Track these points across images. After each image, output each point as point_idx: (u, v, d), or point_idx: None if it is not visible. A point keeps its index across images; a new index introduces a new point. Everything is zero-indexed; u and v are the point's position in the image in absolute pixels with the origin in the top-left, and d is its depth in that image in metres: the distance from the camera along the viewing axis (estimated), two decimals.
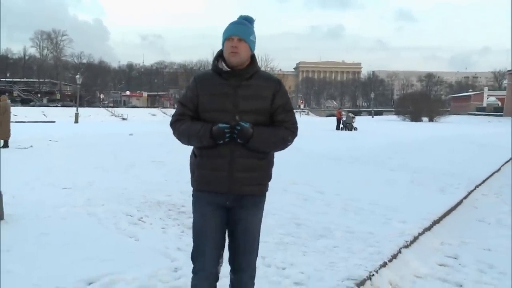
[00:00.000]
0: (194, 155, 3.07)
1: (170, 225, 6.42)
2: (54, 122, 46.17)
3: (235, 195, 2.97)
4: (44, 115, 64.13)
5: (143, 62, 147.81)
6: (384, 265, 4.98)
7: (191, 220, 6.61)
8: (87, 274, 4.35)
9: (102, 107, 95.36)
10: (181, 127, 2.97)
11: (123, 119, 71.03)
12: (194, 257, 3.11)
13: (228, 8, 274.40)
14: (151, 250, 5.22)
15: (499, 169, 13.22)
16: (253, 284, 3.23)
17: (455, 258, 5.67)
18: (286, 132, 3.00)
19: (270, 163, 3.09)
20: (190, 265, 4.80)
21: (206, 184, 2.97)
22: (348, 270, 4.68)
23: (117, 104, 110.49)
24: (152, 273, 4.50)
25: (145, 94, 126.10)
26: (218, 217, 3.02)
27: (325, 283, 4.35)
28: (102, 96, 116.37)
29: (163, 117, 78.49)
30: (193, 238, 3.13)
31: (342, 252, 5.32)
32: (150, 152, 15.63)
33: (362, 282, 4.47)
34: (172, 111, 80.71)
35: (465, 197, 9.03)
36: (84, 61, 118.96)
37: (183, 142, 3.05)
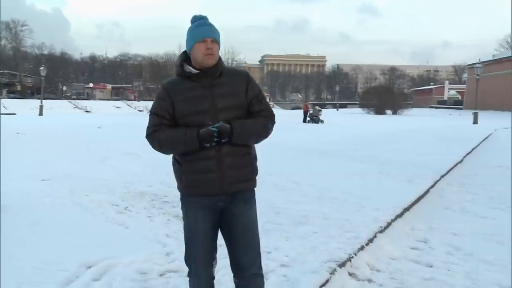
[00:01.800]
0: (177, 162, 3.04)
1: (156, 214, 6.69)
2: (14, 114, 45.36)
3: (227, 195, 2.96)
4: (4, 107, 62.82)
5: (106, 54, 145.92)
6: (361, 248, 5.37)
7: (175, 209, 6.97)
8: (85, 258, 4.61)
9: (65, 99, 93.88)
10: (162, 136, 2.91)
11: (87, 111, 70.19)
12: (187, 261, 3.12)
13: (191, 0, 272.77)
14: (142, 237, 5.50)
15: (461, 160, 13.79)
16: (263, 283, 3.22)
17: (425, 242, 6.10)
18: (265, 120, 3.02)
19: (254, 157, 3.12)
20: (182, 250, 5.12)
21: (196, 188, 2.95)
22: (329, 253, 5.04)
23: (80, 96, 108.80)
24: (147, 258, 4.79)
25: (109, 86, 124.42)
26: (209, 221, 3.01)
27: (309, 264, 4.70)
28: (64, 88, 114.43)
29: (127, 109, 77.86)
30: (185, 242, 3.12)
31: (322, 237, 5.68)
32: (122, 144, 15.77)
33: (343, 264, 4.84)
34: (137, 103, 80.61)
35: (432, 187, 9.50)
36: (45, 52, 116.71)
37: (165, 151, 3.00)
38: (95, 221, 6.11)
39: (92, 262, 4.56)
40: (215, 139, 2.80)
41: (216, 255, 3.14)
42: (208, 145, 2.81)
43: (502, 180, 10.86)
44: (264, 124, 3.02)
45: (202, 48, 2.89)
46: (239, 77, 3.03)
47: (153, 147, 3.00)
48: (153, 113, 3.01)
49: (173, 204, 7.28)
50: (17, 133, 19.16)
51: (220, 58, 2.99)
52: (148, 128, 3.00)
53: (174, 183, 8.81)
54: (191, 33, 2.96)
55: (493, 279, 4.79)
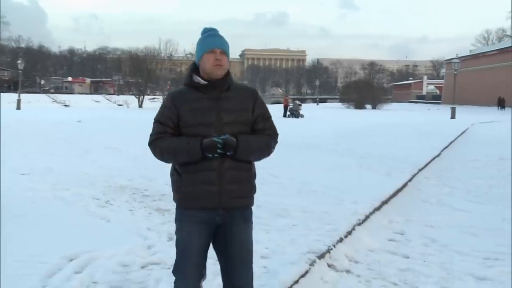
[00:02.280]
0: (176, 173, 2.96)
1: (137, 207, 6.73)
2: None
3: (225, 210, 2.89)
4: None
5: (85, 48, 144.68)
6: (340, 240, 5.48)
7: (156, 202, 7.01)
8: (67, 251, 4.65)
9: (43, 93, 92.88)
10: (164, 144, 2.87)
11: (66, 105, 69.58)
12: (176, 272, 3.00)
13: None
14: (123, 230, 5.55)
15: (439, 154, 14.02)
16: None
17: (402, 234, 6.24)
18: (269, 138, 2.98)
19: (254, 175, 3.06)
20: (163, 243, 5.21)
21: (194, 200, 2.87)
22: (308, 245, 5.14)
23: (58, 90, 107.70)
24: (128, 250, 4.84)
25: (88, 80, 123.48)
26: (204, 237, 2.93)
27: (289, 256, 4.79)
28: (42, 82, 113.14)
29: (107, 103, 77.35)
30: (176, 252, 3.02)
31: (301, 229, 5.78)
32: (102, 139, 15.68)
33: (322, 255, 4.94)
34: (116, 98, 79.99)
35: (410, 180, 9.66)
36: (23, 45, 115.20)
37: (166, 159, 2.94)
38: (76, 215, 6.13)
39: (74, 255, 4.59)
40: (218, 151, 2.75)
41: (205, 271, 3.05)
42: (210, 155, 2.76)
43: (478, 174, 11.11)
44: (267, 142, 2.97)
45: (211, 59, 2.87)
46: (247, 93, 3.01)
47: (155, 155, 2.96)
48: (157, 120, 2.96)
49: (154, 198, 7.33)
50: None
51: (228, 71, 2.96)
52: (151, 135, 2.96)
53: (154, 176, 8.88)
54: (201, 43, 2.96)
55: (467, 269, 4.94)
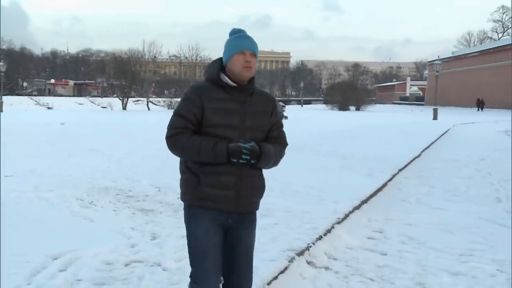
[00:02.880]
0: (189, 171, 2.87)
1: (121, 207, 6.81)
2: None
3: (238, 214, 2.89)
4: None
5: (67, 50, 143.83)
6: (319, 238, 5.61)
7: (140, 203, 7.10)
8: (52, 250, 4.72)
9: (26, 95, 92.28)
10: (188, 141, 2.76)
11: (49, 108, 69.20)
12: (197, 277, 2.88)
13: None
14: (107, 230, 5.63)
15: (419, 155, 14.24)
16: None
17: (381, 232, 6.40)
18: (282, 148, 3.00)
19: (265, 180, 3.06)
20: (146, 242, 5.30)
21: (210, 201, 2.82)
22: (289, 243, 5.27)
23: (41, 92, 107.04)
24: (112, 249, 4.93)
25: (71, 82, 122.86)
26: (219, 235, 2.89)
27: (270, 253, 4.91)
28: (25, 84, 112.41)
29: (90, 105, 76.95)
30: (193, 257, 2.90)
31: (282, 228, 5.90)
32: (85, 141, 15.68)
33: (302, 252, 5.08)
34: (100, 100, 79.70)
35: (390, 180, 9.84)
36: (4, 47, 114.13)
37: (186, 156, 2.85)
38: (60, 215, 6.20)
39: (58, 254, 4.67)
40: (243, 157, 2.71)
41: (221, 276, 2.96)
42: (235, 160, 2.72)
43: (457, 174, 11.35)
44: (281, 151, 2.98)
45: (241, 60, 2.81)
46: (268, 99, 3.00)
47: (172, 149, 2.84)
48: (178, 114, 2.84)
49: (138, 199, 7.42)
50: None
51: (253, 76, 2.91)
52: (170, 129, 2.83)
53: (138, 178, 8.95)
54: (231, 43, 2.88)
55: (441, 266, 5.10)
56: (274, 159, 2.91)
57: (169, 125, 2.86)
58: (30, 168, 9.79)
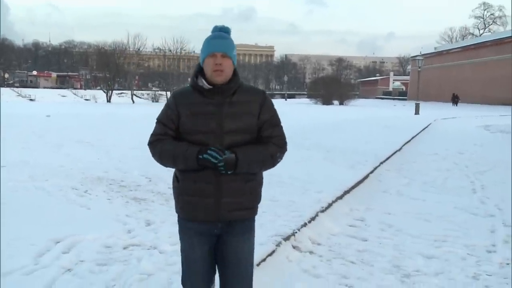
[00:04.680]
0: (176, 179, 2.86)
1: (115, 196, 7.12)
2: None
3: (223, 222, 2.80)
4: None
5: (50, 41, 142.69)
6: (304, 225, 5.98)
7: (133, 192, 7.40)
8: (53, 235, 5.06)
9: (7, 87, 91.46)
10: (163, 147, 2.75)
11: (31, 99, 68.65)
12: (184, 283, 2.96)
13: None
14: (103, 217, 5.96)
15: (400, 148, 14.66)
16: None
17: (362, 221, 6.78)
18: (274, 149, 2.81)
19: (259, 183, 2.94)
20: (141, 227, 5.63)
21: (191, 212, 2.79)
22: (275, 229, 5.63)
23: (23, 84, 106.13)
24: (110, 234, 5.27)
25: (54, 74, 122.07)
26: (206, 245, 2.85)
27: (258, 238, 5.14)
28: (6, 75, 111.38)
29: (74, 98, 76.53)
30: (181, 263, 2.97)
31: (269, 216, 6.24)
32: (73, 133, 15.91)
33: (287, 238, 5.45)
34: (83, 92, 79.30)
35: (371, 172, 10.23)
36: None
37: (165, 163, 2.82)
38: (58, 203, 6.52)
39: (60, 238, 5.00)
40: (212, 160, 2.60)
41: (214, 278, 3.00)
42: (201, 157, 2.62)
43: (436, 166, 11.78)
44: (272, 153, 2.80)
45: (211, 64, 2.70)
46: (253, 96, 2.83)
47: (153, 156, 2.83)
48: (159, 121, 2.85)
49: (130, 188, 7.73)
50: None
51: (236, 75, 2.80)
52: (151, 135, 2.85)
53: (128, 169, 9.28)
54: (204, 45, 2.78)
55: (417, 250, 5.51)
56: (258, 163, 2.77)
57: (152, 132, 2.87)
58: (22, 159, 10.03)
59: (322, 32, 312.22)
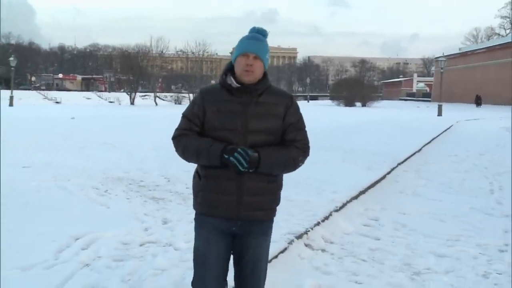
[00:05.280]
0: (198, 175, 2.88)
1: (134, 196, 7.32)
2: None
3: (243, 221, 2.80)
4: None
5: (75, 44, 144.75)
6: (317, 224, 6.09)
7: (151, 192, 7.58)
8: (73, 232, 5.27)
9: (34, 90, 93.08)
10: (187, 143, 2.77)
11: (57, 102, 69.78)
12: (195, 282, 2.93)
13: None
14: (122, 215, 6.14)
15: (420, 150, 14.64)
16: None
17: (376, 220, 6.86)
18: (297, 152, 2.83)
19: (280, 186, 2.98)
20: (158, 226, 5.79)
21: (212, 208, 2.79)
22: (289, 228, 5.74)
23: (49, 87, 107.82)
24: (127, 232, 5.44)
25: (79, 77, 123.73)
26: (223, 243, 2.85)
27: (272, 236, 5.37)
28: (33, 79, 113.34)
29: (98, 100, 77.56)
30: (194, 265, 2.92)
31: (283, 215, 6.33)
32: (96, 135, 16.21)
33: (300, 236, 5.57)
34: (107, 94, 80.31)
35: (388, 173, 10.27)
36: (13, 42, 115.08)
37: (187, 158, 2.82)
38: (79, 202, 6.73)
39: (79, 235, 5.20)
40: (239, 158, 2.60)
41: (226, 279, 2.98)
42: (226, 156, 2.63)
43: (455, 168, 11.76)
44: (294, 157, 2.82)
45: (242, 63, 2.73)
46: (280, 98, 2.85)
47: (176, 150, 2.86)
48: (185, 116, 2.87)
49: (149, 188, 7.91)
50: None
51: (265, 76, 2.82)
52: (176, 130, 2.87)
53: (149, 169, 9.48)
54: (238, 44, 2.82)
55: (429, 249, 5.57)
56: (280, 165, 2.80)
57: (177, 127, 2.90)
58: (46, 160, 10.30)
59: (345, 33, 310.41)
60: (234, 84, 2.75)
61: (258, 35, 2.84)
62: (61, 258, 4.58)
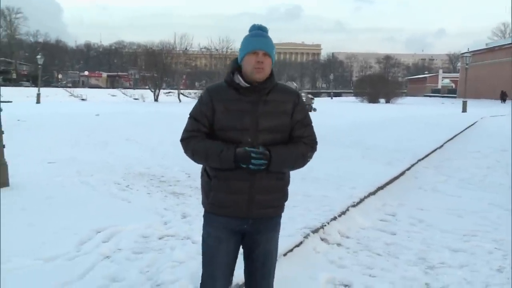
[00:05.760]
0: (207, 175, 2.86)
1: (154, 191, 7.48)
2: (10, 102, 45.61)
3: (254, 219, 2.81)
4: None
5: (100, 42, 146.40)
6: (334, 218, 6.17)
7: (172, 187, 7.73)
8: (95, 225, 5.43)
9: (60, 87, 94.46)
10: (196, 145, 2.74)
11: (83, 99, 70.60)
12: (204, 281, 2.95)
13: None
14: (143, 209, 6.30)
15: (441, 146, 14.56)
16: None
17: (393, 216, 6.91)
18: (305, 148, 2.83)
19: (287, 182, 2.95)
20: (177, 220, 5.92)
21: (223, 208, 2.79)
22: (305, 222, 5.83)
23: (75, 84, 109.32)
24: (147, 225, 5.59)
25: (104, 74, 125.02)
26: (232, 242, 2.87)
27: (287, 231, 5.47)
28: (60, 76, 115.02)
29: (123, 97, 78.31)
30: (203, 262, 2.95)
31: (301, 210, 6.45)
32: (120, 131, 16.42)
33: (316, 230, 5.65)
34: (132, 91, 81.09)
35: (408, 169, 10.27)
36: (40, 40, 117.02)
37: (197, 161, 2.81)
38: (101, 197, 6.92)
39: (101, 228, 5.37)
40: (254, 162, 2.61)
41: (232, 279, 3.01)
42: (245, 166, 2.63)
43: (476, 164, 11.68)
44: (303, 153, 2.82)
45: (253, 61, 2.71)
46: (288, 96, 2.84)
47: (186, 153, 2.84)
48: (192, 116, 2.83)
49: (169, 183, 8.07)
50: (18, 120, 19.74)
51: (272, 74, 2.80)
52: (184, 131, 2.85)
53: (170, 165, 9.65)
54: (244, 43, 2.79)
55: (445, 243, 5.62)
56: (291, 162, 2.79)
57: (184, 127, 2.87)
58: (71, 156, 10.55)
59: (369, 29, 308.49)
60: (243, 83, 2.74)
61: (262, 32, 2.82)
62: (83, 250, 4.75)
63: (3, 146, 7.21)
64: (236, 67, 2.82)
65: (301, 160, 2.83)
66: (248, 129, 2.68)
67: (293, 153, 2.76)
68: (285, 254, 4.86)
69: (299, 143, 2.80)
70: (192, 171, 8.91)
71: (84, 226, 5.35)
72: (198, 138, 2.76)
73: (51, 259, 4.48)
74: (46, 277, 4.06)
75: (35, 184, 7.40)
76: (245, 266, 3.00)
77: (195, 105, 2.86)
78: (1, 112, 7.19)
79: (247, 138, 2.67)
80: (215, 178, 2.76)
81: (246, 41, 2.79)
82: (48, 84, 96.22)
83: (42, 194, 6.80)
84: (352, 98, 70.60)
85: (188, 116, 2.86)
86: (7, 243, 4.78)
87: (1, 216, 5.61)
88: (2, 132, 7.21)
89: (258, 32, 2.80)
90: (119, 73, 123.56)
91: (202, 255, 2.94)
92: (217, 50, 71.73)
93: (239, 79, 2.75)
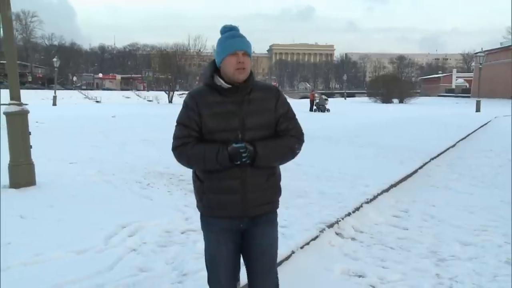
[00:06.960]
0: (197, 179, 2.89)
1: (174, 189, 7.74)
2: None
3: (249, 217, 2.84)
4: None
5: (114, 44, 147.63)
6: (348, 214, 6.40)
7: (191, 186, 7.96)
8: (120, 221, 5.69)
9: (75, 89, 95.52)
10: (191, 151, 2.74)
11: (97, 101, 71.44)
12: (210, 283, 3.00)
13: None
14: (164, 207, 6.56)
15: (454, 145, 14.73)
16: None
17: (406, 212, 7.12)
18: (292, 140, 2.85)
19: (279, 177, 2.96)
20: (198, 216, 6.16)
21: (218, 209, 2.81)
22: (321, 218, 6.07)
23: (90, 86, 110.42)
24: (169, 221, 5.85)
25: (118, 76, 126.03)
26: (232, 242, 2.89)
27: (304, 225, 5.73)
28: (74, 78, 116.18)
29: (137, 99, 79.03)
30: (207, 266, 2.99)
31: (316, 207, 6.69)
32: (137, 132, 16.80)
33: (331, 225, 5.89)
34: (146, 93, 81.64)
35: (420, 167, 10.47)
36: (55, 43, 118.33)
37: (192, 166, 2.85)
38: (123, 195, 7.20)
39: (126, 224, 5.64)
40: (243, 155, 2.65)
41: (239, 275, 3.05)
42: (239, 162, 2.66)
43: (488, 162, 11.85)
44: (290, 145, 2.84)
45: (234, 62, 2.71)
46: (269, 93, 2.87)
47: (179, 161, 2.84)
48: (180, 123, 2.82)
49: (189, 182, 8.24)
50: (36, 122, 20.17)
51: (251, 73, 2.82)
52: (175, 139, 2.82)
53: None
54: (222, 45, 2.78)
55: (455, 238, 5.83)
56: (278, 155, 2.81)
57: (173, 135, 2.84)
58: (91, 156, 10.85)
59: (382, 29, 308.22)
60: (225, 85, 2.76)
61: (238, 32, 2.83)
62: (110, 244, 5.02)
63: (31, 147, 7.52)
64: (215, 69, 2.83)
65: (290, 153, 2.86)
66: (236, 129, 2.72)
67: (280, 146, 2.79)
68: (302, 247, 5.11)
69: (286, 136, 2.84)
70: None
71: (110, 222, 5.63)
72: (191, 144, 2.75)
73: (82, 251, 4.76)
74: (80, 267, 4.34)
75: (59, 183, 7.70)
76: (246, 266, 3.03)
77: (181, 111, 2.84)
78: (28, 114, 7.49)
79: (236, 138, 2.71)
80: (207, 180, 2.80)
81: (224, 42, 2.78)
82: (63, 86, 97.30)
83: (67, 192, 7.10)
84: (365, 99, 70.62)
85: (176, 123, 2.85)
86: (40, 237, 5.10)
87: (33, 212, 5.96)
88: (29, 133, 7.52)
89: (234, 33, 2.80)
90: (133, 75, 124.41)
91: (205, 259, 2.99)
92: None
93: (220, 81, 2.77)
